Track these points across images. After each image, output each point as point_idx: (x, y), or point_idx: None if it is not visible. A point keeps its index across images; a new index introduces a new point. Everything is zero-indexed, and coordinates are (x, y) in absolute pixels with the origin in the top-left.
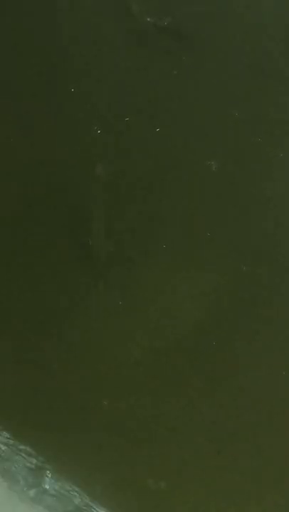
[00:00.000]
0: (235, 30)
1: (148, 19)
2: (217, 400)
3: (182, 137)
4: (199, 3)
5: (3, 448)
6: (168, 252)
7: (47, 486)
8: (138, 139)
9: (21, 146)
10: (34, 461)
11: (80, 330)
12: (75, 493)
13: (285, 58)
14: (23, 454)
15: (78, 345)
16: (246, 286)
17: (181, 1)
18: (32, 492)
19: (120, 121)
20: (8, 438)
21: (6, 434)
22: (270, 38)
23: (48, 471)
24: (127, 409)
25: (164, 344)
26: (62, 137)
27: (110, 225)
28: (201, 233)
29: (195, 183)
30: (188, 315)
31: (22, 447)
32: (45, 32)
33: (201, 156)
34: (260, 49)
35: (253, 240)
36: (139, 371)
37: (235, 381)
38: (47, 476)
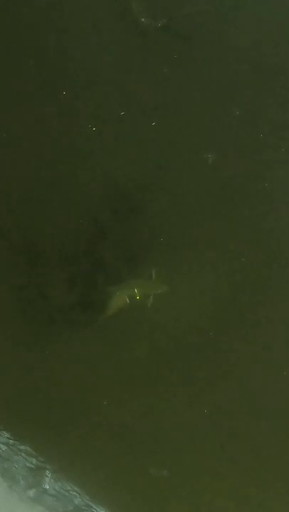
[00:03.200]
0: (234, 30)
1: (147, 18)
2: (217, 400)
3: (178, 132)
4: (198, 3)
5: (3, 448)
6: (167, 246)
7: (47, 486)
8: (133, 134)
9: (20, 143)
10: (34, 461)
11: (80, 330)
12: (75, 493)
13: (285, 58)
14: (23, 454)
15: (78, 346)
16: (246, 285)
17: (180, 1)
18: (32, 492)
19: (116, 117)
20: (8, 438)
21: (6, 434)
22: (269, 38)
23: (48, 471)
24: (127, 409)
25: (165, 344)
26: (61, 134)
27: (108, 221)
28: (199, 228)
29: (191, 177)
30: (188, 315)
31: (22, 447)
32: (45, 31)
33: (199, 150)
34: (260, 49)
35: (251, 234)
36: (139, 371)
37: (236, 381)
38: (47, 476)
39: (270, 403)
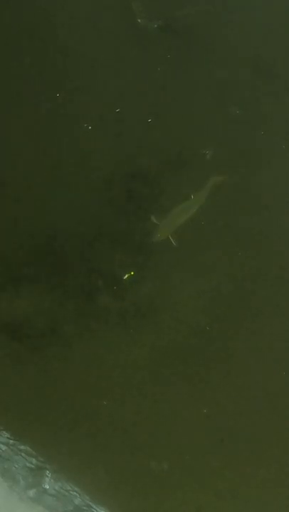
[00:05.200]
0: (233, 30)
1: (147, 18)
2: (218, 399)
3: (175, 130)
4: (198, 3)
5: (3, 448)
6: (164, 244)
7: (47, 486)
8: (131, 132)
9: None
10: (34, 461)
11: (80, 331)
12: (75, 493)
13: (285, 58)
14: (23, 454)
15: (78, 346)
16: (245, 283)
17: (180, 1)
18: (32, 492)
19: (113, 115)
20: (8, 438)
21: (6, 434)
22: (270, 38)
23: (47, 471)
24: (127, 409)
25: (165, 343)
26: (58, 134)
27: (107, 219)
28: (195, 225)
29: (189, 172)
30: (188, 315)
31: (22, 447)
32: (45, 30)
33: (197, 147)
34: (260, 48)
35: (250, 230)
36: (139, 370)
37: (236, 381)
38: (47, 476)
39: (270, 403)
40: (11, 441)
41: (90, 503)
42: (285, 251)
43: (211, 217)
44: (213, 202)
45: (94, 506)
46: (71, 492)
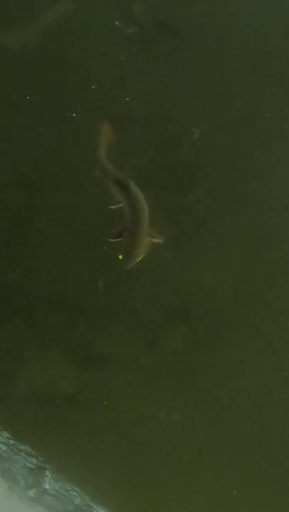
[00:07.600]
0: (233, 30)
1: (147, 17)
2: (218, 400)
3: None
4: (199, 3)
5: (3, 448)
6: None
7: (47, 486)
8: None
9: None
10: (34, 461)
11: (80, 330)
12: (75, 493)
13: (285, 58)
14: (23, 454)
15: (78, 345)
16: (246, 283)
17: (180, 1)
18: (32, 492)
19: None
20: (8, 438)
21: (6, 434)
22: (267, 38)
23: (48, 471)
24: (127, 410)
25: (165, 343)
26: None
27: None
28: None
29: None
30: (188, 315)
31: (22, 447)
32: (44, 30)
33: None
34: (260, 48)
35: (252, 237)
36: (139, 371)
37: (236, 381)
38: (47, 476)
39: (270, 403)
40: (11, 441)
41: (90, 503)
42: (286, 251)
43: (211, 216)
44: (216, 205)
45: (94, 506)
46: (71, 492)
